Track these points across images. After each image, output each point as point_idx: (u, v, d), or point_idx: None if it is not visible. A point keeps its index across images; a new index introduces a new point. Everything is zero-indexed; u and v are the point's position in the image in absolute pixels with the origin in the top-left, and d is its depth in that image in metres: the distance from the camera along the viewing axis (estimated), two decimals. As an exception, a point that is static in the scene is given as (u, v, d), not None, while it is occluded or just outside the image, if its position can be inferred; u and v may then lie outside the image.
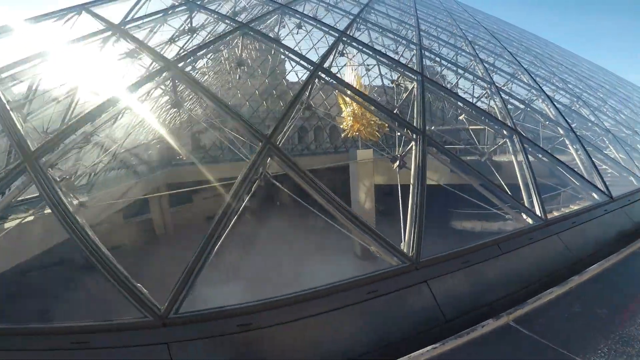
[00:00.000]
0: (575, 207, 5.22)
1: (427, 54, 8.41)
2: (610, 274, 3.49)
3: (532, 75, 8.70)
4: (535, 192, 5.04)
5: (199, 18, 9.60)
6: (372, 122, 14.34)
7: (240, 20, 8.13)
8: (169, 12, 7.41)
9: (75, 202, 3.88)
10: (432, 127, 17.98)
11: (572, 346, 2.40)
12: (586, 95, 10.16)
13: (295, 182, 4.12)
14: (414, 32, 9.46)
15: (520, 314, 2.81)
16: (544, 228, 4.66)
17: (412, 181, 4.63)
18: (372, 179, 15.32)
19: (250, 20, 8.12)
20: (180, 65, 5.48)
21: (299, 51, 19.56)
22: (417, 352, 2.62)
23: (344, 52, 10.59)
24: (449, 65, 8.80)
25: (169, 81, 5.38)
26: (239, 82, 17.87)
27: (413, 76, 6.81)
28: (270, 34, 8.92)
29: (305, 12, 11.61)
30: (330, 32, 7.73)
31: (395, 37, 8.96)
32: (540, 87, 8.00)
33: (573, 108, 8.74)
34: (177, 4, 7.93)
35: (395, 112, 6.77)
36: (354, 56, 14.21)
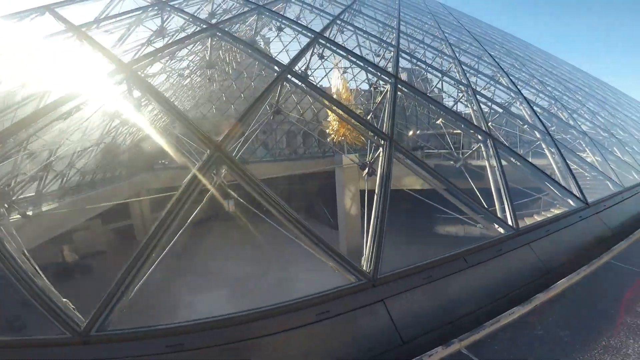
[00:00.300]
0: (549, 215, 5.01)
1: (405, 56, 8.22)
2: (578, 289, 3.26)
3: (512, 78, 8.56)
4: (507, 199, 4.83)
5: (178, 20, 9.31)
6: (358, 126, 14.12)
7: (214, 22, 7.87)
8: (136, 13, 7.09)
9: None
10: (418, 132, 17.95)
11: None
12: (566, 97, 10.09)
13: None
14: (394, 34, 9.28)
15: (474, 340, 2.56)
16: (516, 238, 4.44)
17: (376, 190, 4.37)
18: (357, 184, 15.07)
19: (222, 21, 7.87)
20: (139, 67, 5.20)
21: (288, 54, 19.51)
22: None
23: (324, 54, 10.39)
24: (428, 68, 8.61)
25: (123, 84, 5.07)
26: (224, 85, 17.54)
27: (388, 79, 6.61)
28: (258, 37, 8.71)
29: (287, 14, 11.43)
30: (305, 32, 7.49)
31: (371, 39, 8.75)
32: (519, 90, 7.86)
33: (551, 111, 8.62)
34: (148, 4, 7.63)
35: (369, 116, 6.54)
36: (340, 60, 14.03)
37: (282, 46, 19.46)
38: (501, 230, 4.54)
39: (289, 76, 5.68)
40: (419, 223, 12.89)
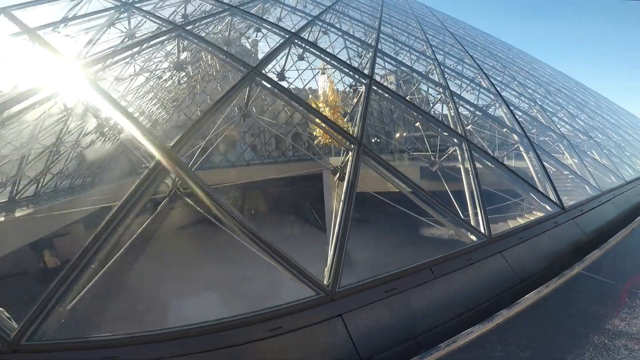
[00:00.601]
0: (523, 221, 4.84)
1: (383, 57, 8.05)
2: (545, 304, 3.06)
3: (492, 80, 8.46)
4: (480, 204, 4.64)
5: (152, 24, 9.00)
6: (344, 129, 13.95)
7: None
8: (98, 16, 6.80)
9: None
10: (405, 134, 17.83)
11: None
12: (547, 100, 10.05)
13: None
14: (374, 35, 9.12)
15: (427, 363, 2.32)
16: (488, 246, 4.25)
17: (342, 197, 4.15)
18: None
19: (192, 21, 7.61)
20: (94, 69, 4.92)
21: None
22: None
23: (304, 56, 10.18)
24: (407, 70, 8.45)
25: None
26: (207, 88, 17.20)
27: (363, 80, 6.42)
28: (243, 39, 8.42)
29: (271, 15, 11.20)
30: (280, 33, 7.25)
31: (348, 39, 8.57)
32: (499, 92, 7.74)
33: (530, 113, 8.53)
34: (112, 5, 7.32)
35: (346, 118, 6.34)
36: (327, 64, 13.84)
37: (269, 47, 19.22)
38: (473, 237, 4.35)
39: (258, 78, 5.46)
40: (407, 226, 12.67)
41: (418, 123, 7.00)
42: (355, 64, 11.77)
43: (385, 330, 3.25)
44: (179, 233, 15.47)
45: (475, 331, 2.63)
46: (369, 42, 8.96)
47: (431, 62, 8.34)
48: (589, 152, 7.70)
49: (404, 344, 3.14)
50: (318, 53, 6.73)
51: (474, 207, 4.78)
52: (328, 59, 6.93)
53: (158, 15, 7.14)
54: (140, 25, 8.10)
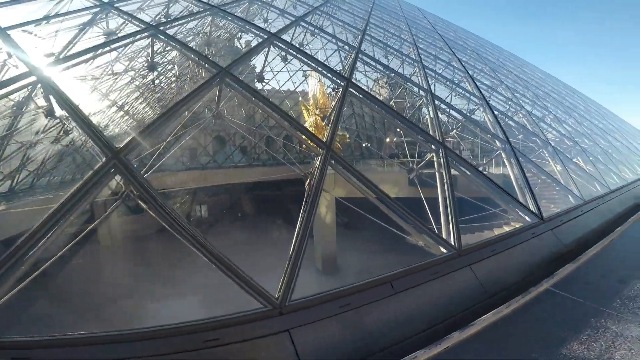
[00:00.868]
0: (499, 232, 4.63)
1: (365, 59, 7.87)
2: (504, 325, 2.83)
3: (479, 84, 8.27)
4: (452, 214, 4.44)
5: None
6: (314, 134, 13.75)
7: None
8: (74, 15, 6.60)
9: None
10: (395, 139, 17.59)
11: None
12: (536, 104, 9.86)
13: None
14: (359, 37, 8.95)
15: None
16: (457, 259, 4.04)
17: (302, 205, 3.95)
18: (332, 191, 14.64)
19: (169, 21, 7.44)
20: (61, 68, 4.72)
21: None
22: None
23: (287, 57, 10.00)
24: (390, 72, 8.27)
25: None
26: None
27: (341, 82, 6.23)
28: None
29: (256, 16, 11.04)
30: (258, 33, 7.07)
31: (331, 39, 8.40)
32: (484, 97, 7.55)
33: (517, 118, 8.34)
34: (89, 5, 7.14)
35: (324, 122, 6.14)
36: (304, 65, 13.63)
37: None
38: (443, 249, 4.14)
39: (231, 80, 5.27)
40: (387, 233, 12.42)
41: (398, 128, 6.82)
42: (340, 67, 11.59)
43: (337, 348, 3.04)
44: (134, 236, 15.22)
45: (419, 356, 2.41)
46: (353, 43, 8.79)
47: (415, 65, 8.16)
48: (574, 159, 7.50)
49: (356, 364, 2.94)
50: (294, 53, 6.55)
51: (446, 217, 4.58)
52: (305, 59, 6.73)
53: (135, 16, 6.97)
54: (122, 26, 7.94)
